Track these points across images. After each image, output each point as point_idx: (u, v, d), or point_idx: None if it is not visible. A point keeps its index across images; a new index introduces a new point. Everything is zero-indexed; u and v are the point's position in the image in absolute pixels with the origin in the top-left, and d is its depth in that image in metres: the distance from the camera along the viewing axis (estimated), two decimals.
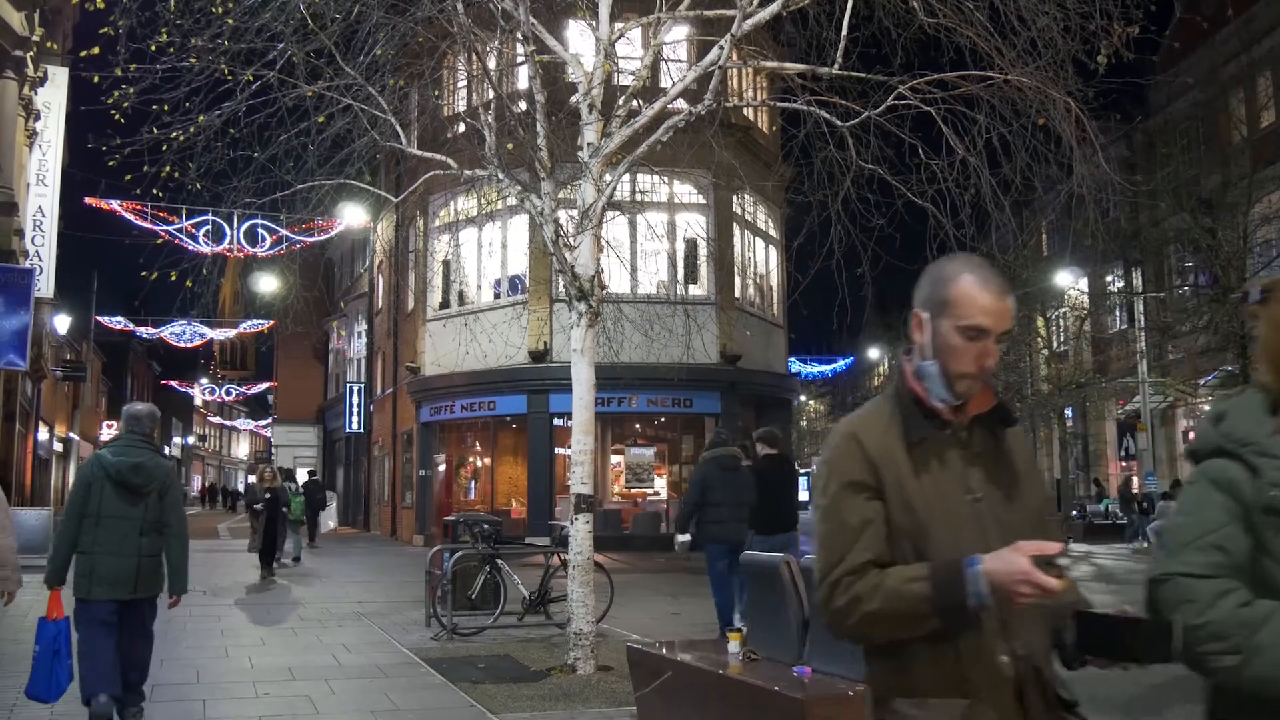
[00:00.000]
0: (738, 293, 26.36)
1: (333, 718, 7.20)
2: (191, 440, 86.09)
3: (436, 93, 13.50)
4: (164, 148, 9.05)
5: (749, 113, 25.78)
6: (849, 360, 55.27)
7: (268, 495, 17.50)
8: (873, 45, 8.86)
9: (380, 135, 9.74)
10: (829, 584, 2.16)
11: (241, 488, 69.78)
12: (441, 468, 28.22)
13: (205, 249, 22.04)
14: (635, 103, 9.39)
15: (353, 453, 41.15)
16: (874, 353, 56.04)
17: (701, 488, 10.15)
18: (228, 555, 22.45)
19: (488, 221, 24.30)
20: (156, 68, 8.76)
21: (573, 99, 9.41)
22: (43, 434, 35.71)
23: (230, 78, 9.09)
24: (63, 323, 32.67)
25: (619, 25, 9.74)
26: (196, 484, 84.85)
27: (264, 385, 63.94)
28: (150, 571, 6.61)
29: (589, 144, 9.11)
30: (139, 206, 22.36)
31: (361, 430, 37.49)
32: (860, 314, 9.80)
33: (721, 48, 8.78)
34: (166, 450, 73.70)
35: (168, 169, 9.20)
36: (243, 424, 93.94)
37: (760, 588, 5.70)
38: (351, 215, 24.94)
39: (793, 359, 38.09)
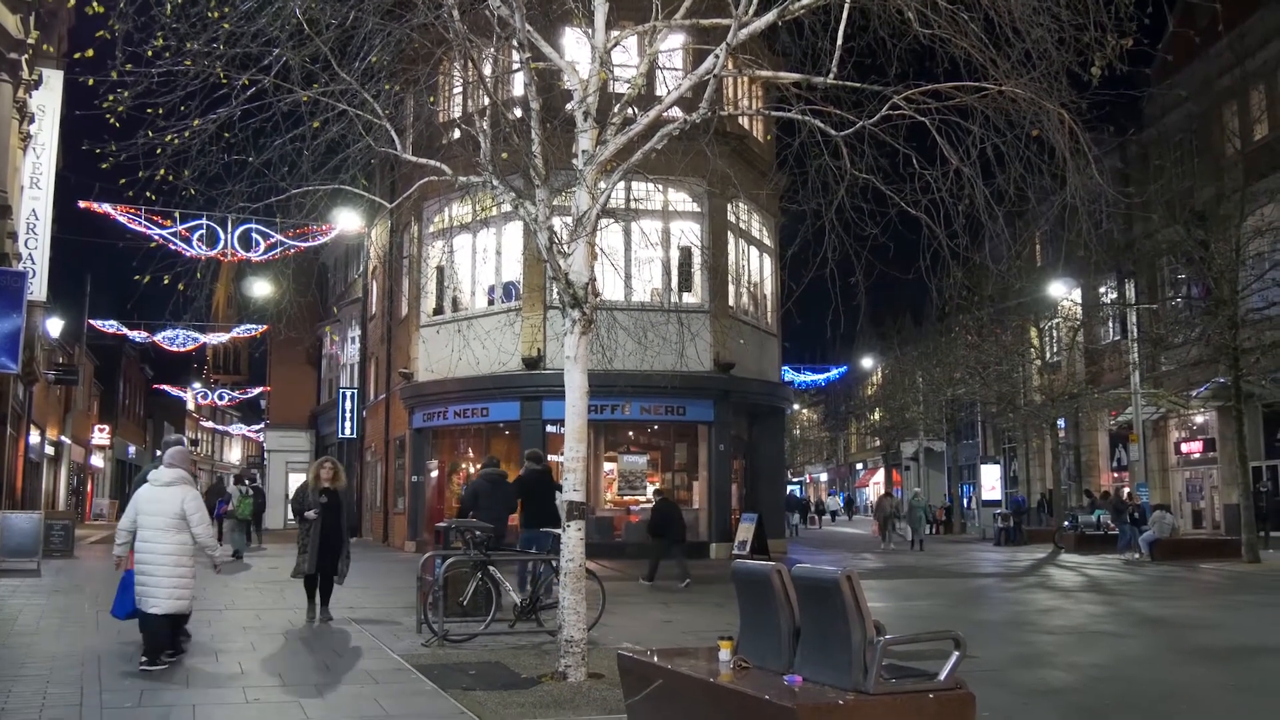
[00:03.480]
0: (731, 301, 26.40)
1: None
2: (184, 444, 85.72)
3: (432, 99, 13.51)
4: (159, 152, 9.03)
5: (744, 121, 25.85)
6: (842, 369, 55.31)
7: (324, 499, 12.47)
8: (868, 55, 8.87)
9: (375, 141, 9.73)
10: None
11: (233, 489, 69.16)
12: (434, 474, 28.18)
13: (199, 253, 22.04)
14: (630, 110, 9.40)
15: (345, 458, 41.03)
16: (867, 362, 56.05)
17: (473, 495, 13.62)
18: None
19: (482, 228, 24.31)
20: (152, 72, 8.74)
21: (568, 106, 9.41)
22: (34, 437, 35.59)
23: (225, 82, 9.08)
24: (55, 326, 32.63)
25: (615, 33, 9.75)
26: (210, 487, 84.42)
27: (257, 390, 63.75)
28: None
29: (584, 151, 9.12)
30: (133, 210, 22.35)
31: (354, 436, 37.45)
32: (854, 323, 9.80)
33: (717, 56, 8.79)
34: (158, 454, 73.81)
35: (162, 173, 9.19)
36: (235, 429, 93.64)
37: (750, 596, 5.70)
38: (346, 221, 25.01)
39: (786, 368, 38.14)
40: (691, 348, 17.91)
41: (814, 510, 60.15)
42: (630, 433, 26.64)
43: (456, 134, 15.03)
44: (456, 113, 15.98)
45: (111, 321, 41.28)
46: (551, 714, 7.39)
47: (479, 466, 14.96)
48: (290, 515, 32.93)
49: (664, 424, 26.00)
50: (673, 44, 14.11)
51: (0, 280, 17.25)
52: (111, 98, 8.80)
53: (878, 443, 60.95)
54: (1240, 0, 25.63)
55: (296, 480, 44.43)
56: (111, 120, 8.93)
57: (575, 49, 11.30)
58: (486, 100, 9.99)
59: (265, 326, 41.24)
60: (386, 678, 8.80)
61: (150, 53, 8.73)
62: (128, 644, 10.41)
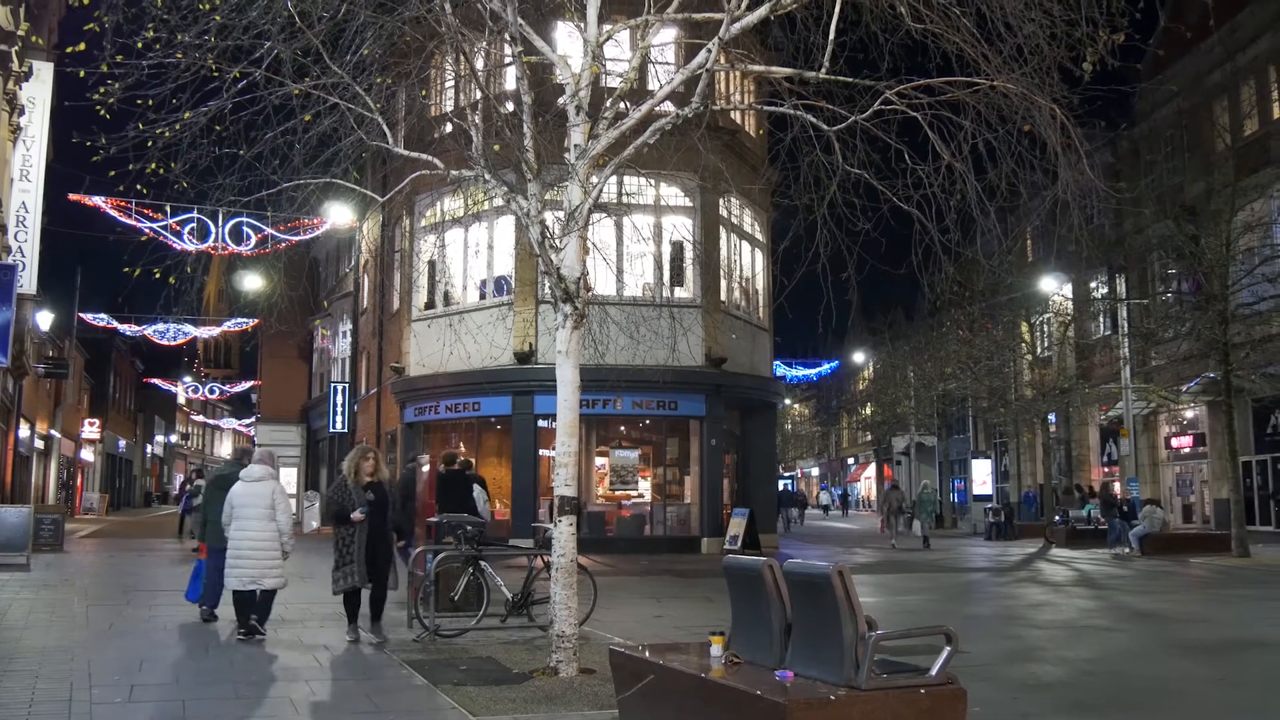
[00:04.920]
0: (723, 296, 26.39)
1: (313, 719, 7.17)
2: (174, 439, 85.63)
3: (424, 92, 13.46)
4: (149, 144, 8.99)
5: (736, 116, 25.84)
6: (834, 364, 55.35)
7: (371, 498, 10.54)
8: (860, 50, 8.87)
9: (367, 134, 9.69)
10: None
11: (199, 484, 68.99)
12: (425, 469, 28.12)
13: (190, 246, 21.96)
14: (622, 105, 9.38)
15: (336, 453, 40.98)
16: (859, 356, 56.11)
17: (405, 487, 14.62)
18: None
19: (474, 222, 24.26)
20: (142, 64, 8.69)
21: (560, 100, 9.39)
22: (24, 431, 35.46)
23: (216, 75, 9.04)
24: (45, 319, 32.47)
25: (607, 27, 9.73)
26: (179, 483, 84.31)
27: (248, 384, 63.62)
28: None
29: (576, 145, 9.10)
30: (123, 203, 22.24)
31: (345, 430, 37.36)
32: (845, 318, 9.85)
33: (709, 51, 8.78)
34: (148, 448, 73.71)
35: (153, 166, 9.14)
36: (226, 423, 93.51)
37: (742, 591, 5.70)
38: (337, 214, 24.93)
39: (778, 362, 38.14)
40: (683, 342, 17.91)
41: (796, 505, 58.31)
42: (622, 427, 26.64)
43: (448, 128, 15.00)
44: (449, 107, 15.95)
45: (102, 315, 41.13)
46: (543, 709, 7.38)
47: (406, 465, 16.68)
48: (316, 517, 31.85)
49: (656, 418, 26.00)
50: (665, 38, 14.11)
51: None
52: (102, 90, 8.75)
53: (869, 437, 61.04)
54: None
55: (286, 475, 44.42)
56: (102, 112, 8.89)
57: (567, 43, 11.28)
58: (478, 94, 9.96)
59: (256, 320, 41.04)
60: (378, 673, 8.80)
61: (140, 45, 8.69)
62: (117, 637, 10.40)
